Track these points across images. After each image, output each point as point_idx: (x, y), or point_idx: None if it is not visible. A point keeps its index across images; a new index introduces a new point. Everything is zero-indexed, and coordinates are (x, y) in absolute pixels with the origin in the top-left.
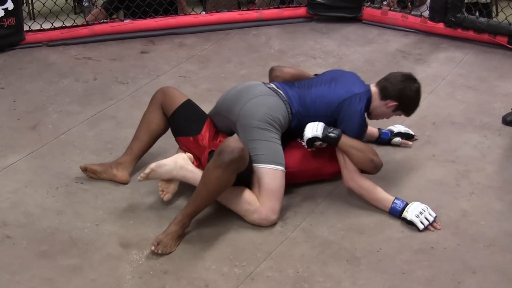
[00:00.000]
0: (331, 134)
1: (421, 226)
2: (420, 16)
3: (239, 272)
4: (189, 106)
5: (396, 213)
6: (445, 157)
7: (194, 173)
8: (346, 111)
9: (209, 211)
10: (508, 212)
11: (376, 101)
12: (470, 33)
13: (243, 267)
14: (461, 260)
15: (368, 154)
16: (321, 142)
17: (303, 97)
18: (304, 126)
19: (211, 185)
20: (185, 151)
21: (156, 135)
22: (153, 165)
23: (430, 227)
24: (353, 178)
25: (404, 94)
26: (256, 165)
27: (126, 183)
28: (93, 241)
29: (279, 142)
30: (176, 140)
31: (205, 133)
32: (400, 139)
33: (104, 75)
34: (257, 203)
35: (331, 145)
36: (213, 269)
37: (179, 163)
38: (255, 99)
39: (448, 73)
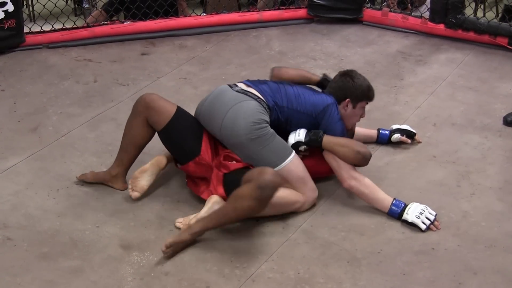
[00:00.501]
0: (314, 137)
1: (423, 227)
2: (421, 17)
3: (240, 273)
4: (179, 120)
5: (395, 215)
6: (445, 158)
7: None
8: (329, 118)
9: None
10: (508, 213)
11: (339, 108)
12: (471, 34)
13: (244, 268)
14: (461, 261)
15: (353, 147)
16: (305, 147)
17: (283, 90)
18: (288, 119)
19: (242, 212)
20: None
21: (140, 146)
22: (193, 222)
23: (431, 226)
24: (351, 175)
25: (346, 88)
26: (276, 169)
27: (125, 189)
28: (94, 243)
29: (275, 134)
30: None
31: (205, 151)
32: (400, 136)
33: (104, 77)
34: (301, 196)
35: (316, 147)
36: (214, 271)
37: (214, 209)
38: (228, 114)
39: (448, 74)
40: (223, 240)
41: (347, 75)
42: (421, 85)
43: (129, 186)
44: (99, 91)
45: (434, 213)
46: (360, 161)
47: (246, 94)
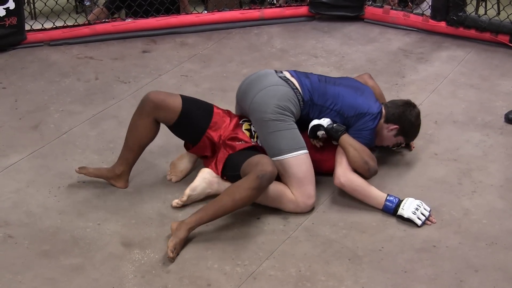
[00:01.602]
0: (335, 128)
1: (419, 222)
2: (422, 15)
3: (242, 271)
4: (187, 110)
5: (390, 211)
6: (447, 156)
7: (226, 185)
8: (361, 125)
9: None
10: (510, 210)
11: (381, 123)
12: (472, 32)
13: (245, 266)
14: (463, 258)
15: (364, 155)
16: (323, 132)
17: (323, 89)
18: (318, 117)
19: (240, 201)
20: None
21: (146, 145)
22: (187, 191)
23: (427, 222)
24: (345, 174)
25: (404, 118)
26: (279, 158)
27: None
28: (95, 240)
29: (295, 127)
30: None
31: (213, 130)
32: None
33: (105, 75)
34: (292, 196)
35: (333, 138)
36: (215, 268)
37: (207, 179)
38: (262, 92)
39: (450, 72)
40: (224, 238)
41: (413, 107)
42: (423, 83)
43: (168, 172)
44: (100, 89)
45: (428, 209)
46: (364, 171)
47: (287, 82)
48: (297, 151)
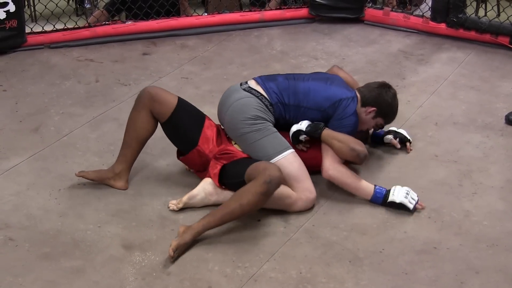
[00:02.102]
0: (314, 128)
1: (411, 206)
2: (422, 16)
3: (242, 273)
4: (181, 110)
5: (379, 200)
6: (447, 157)
7: (226, 196)
8: (340, 113)
9: None
10: (511, 212)
11: (358, 107)
12: (472, 34)
13: (246, 268)
14: (464, 260)
15: (349, 143)
16: (305, 136)
17: (293, 87)
18: (296, 115)
19: (248, 207)
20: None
21: (144, 140)
22: (185, 199)
23: (417, 205)
24: (333, 166)
25: (381, 99)
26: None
27: (125, 189)
28: (95, 243)
29: (274, 130)
30: (179, 158)
31: (204, 142)
32: (392, 137)
33: (106, 77)
34: (294, 193)
35: (315, 138)
36: (216, 271)
37: (207, 189)
38: (229, 110)
39: (450, 74)
40: (225, 240)
41: (388, 88)
42: (423, 84)
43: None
44: (100, 91)
45: (416, 194)
46: (354, 158)
47: (250, 92)
48: (284, 152)
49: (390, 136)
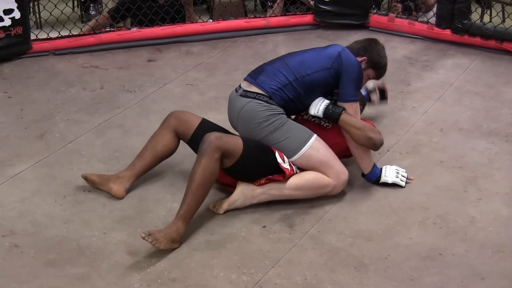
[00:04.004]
0: (332, 113)
1: (403, 184)
2: (427, 22)
3: (247, 279)
4: (204, 128)
5: (373, 178)
6: (452, 163)
7: (266, 194)
8: (348, 62)
9: (216, 219)
10: None
11: None
12: (477, 40)
13: (251, 274)
14: (469, 266)
15: (366, 132)
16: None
17: (283, 67)
18: (304, 89)
19: (197, 176)
20: None
21: (161, 156)
22: (225, 206)
23: (408, 180)
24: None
25: (371, 49)
26: (298, 156)
27: (120, 198)
28: (101, 249)
29: (289, 122)
30: None
31: None
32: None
33: (111, 84)
34: (330, 180)
35: (333, 120)
36: (221, 277)
37: (245, 193)
38: (239, 121)
39: (455, 80)
40: (230, 247)
41: (375, 40)
42: (428, 91)
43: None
44: (105, 98)
45: (404, 170)
46: (370, 147)
47: (247, 96)
48: (307, 142)
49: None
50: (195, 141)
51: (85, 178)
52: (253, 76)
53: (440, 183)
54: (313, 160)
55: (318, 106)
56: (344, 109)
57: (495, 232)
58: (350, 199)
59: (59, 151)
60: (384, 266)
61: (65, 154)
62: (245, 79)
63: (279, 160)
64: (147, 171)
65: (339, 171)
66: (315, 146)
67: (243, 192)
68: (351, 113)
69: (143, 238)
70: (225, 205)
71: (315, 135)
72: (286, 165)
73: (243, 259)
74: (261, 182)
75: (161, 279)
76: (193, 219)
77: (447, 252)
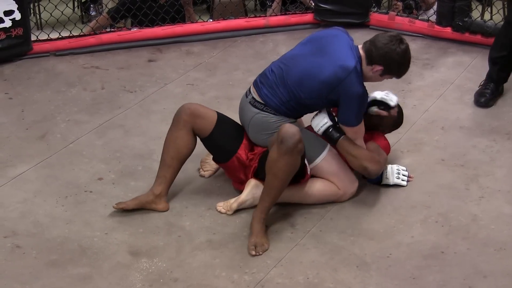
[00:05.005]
0: (330, 135)
1: (404, 183)
2: (427, 20)
3: (249, 279)
4: (222, 124)
5: (375, 181)
6: (454, 162)
7: None
8: (346, 95)
9: (218, 218)
10: None
11: (363, 66)
12: (478, 37)
13: (253, 274)
14: (471, 264)
15: (361, 161)
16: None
17: (283, 83)
18: (301, 106)
19: (281, 173)
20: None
21: (185, 158)
22: (234, 206)
23: (409, 179)
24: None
25: (389, 58)
26: (311, 166)
27: (167, 210)
28: (102, 249)
29: (301, 129)
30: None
31: (243, 150)
32: (377, 108)
33: (111, 84)
34: (338, 190)
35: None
36: (223, 277)
37: (255, 193)
38: (250, 131)
39: (456, 77)
40: (232, 246)
41: (398, 43)
42: (429, 89)
43: (201, 169)
44: (106, 98)
45: (405, 168)
46: (364, 173)
47: (256, 107)
48: (320, 153)
49: (374, 108)
50: (212, 139)
51: (122, 208)
52: (259, 86)
53: (441, 182)
54: (324, 171)
55: (319, 127)
56: (343, 134)
57: (497, 230)
58: (351, 198)
59: (60, 151)
60: (386, 264)
61: (66, 154)
62: (253, 85)
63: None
64: (175, 177)
65: (348, 183)
66: (327, 159)
67: (252, 193)
68: (351, 136)
69: (255, 255)
70: (235, 206)
71: (328, 147)
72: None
73: (245, 258)
74: None
75: (163, 279)
76: (194, 219)
77: (449, 250)
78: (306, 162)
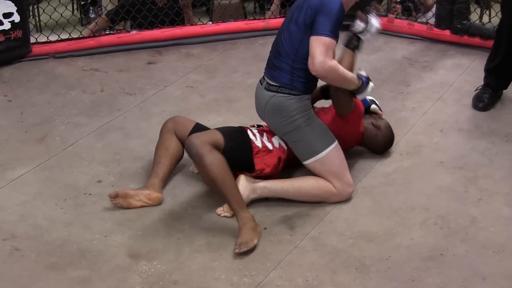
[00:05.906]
0: (352, 44)
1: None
2: (426, 23)
3: (249, 281)
4: (198, 129)
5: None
6: (453, 164)
7: (268, 188)
8: (328, 8)
9: (217, 221)
10: None
11: None
12: (476, 40)
13: (253, 276)
14: (470, 266)
15: (350, 85)
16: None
17: (282, 52)
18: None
19: (214, 176)
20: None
21: (175, 159)
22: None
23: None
24: (325, 61)
25: None
26: (315, 158)
27: (160, 203)
28: (102, 252)
29: (314, 122)
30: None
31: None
32: (377, 107)
33: (111, 87)
34: (334, 191)
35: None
36: (222, 279)
37: (249, 186)
38: (265, 115)
39: (455, 80)
40: (231, 248)
41: None
42: (428, 91)
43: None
44: (106, 101)
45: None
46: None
47: (270, 90)
48: (327, 146)
49: (375, 106)
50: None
51: (115, 195)
52: (269, 71)
53: (440, 184)
54: (327, 166)
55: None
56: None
57: (496, 232)
58: (350, 200)
59: (59, 154)
60: (385, 267)
61: (66, 157)
62: (264, 72)
63: (251, 137)
64: (168, 176)
65: (347, 182)
66: (331, 155)
67: (245, 185)
68: (321, 49)
69: (238, 253)
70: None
71: (335, 143)
72: (258, 143)
73: (244, 261)
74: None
75: (162, 281)
76: (193, 221)
77: (448, 252)
78: (250, 136)
